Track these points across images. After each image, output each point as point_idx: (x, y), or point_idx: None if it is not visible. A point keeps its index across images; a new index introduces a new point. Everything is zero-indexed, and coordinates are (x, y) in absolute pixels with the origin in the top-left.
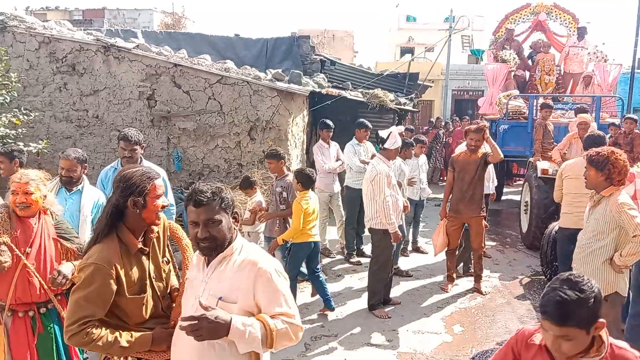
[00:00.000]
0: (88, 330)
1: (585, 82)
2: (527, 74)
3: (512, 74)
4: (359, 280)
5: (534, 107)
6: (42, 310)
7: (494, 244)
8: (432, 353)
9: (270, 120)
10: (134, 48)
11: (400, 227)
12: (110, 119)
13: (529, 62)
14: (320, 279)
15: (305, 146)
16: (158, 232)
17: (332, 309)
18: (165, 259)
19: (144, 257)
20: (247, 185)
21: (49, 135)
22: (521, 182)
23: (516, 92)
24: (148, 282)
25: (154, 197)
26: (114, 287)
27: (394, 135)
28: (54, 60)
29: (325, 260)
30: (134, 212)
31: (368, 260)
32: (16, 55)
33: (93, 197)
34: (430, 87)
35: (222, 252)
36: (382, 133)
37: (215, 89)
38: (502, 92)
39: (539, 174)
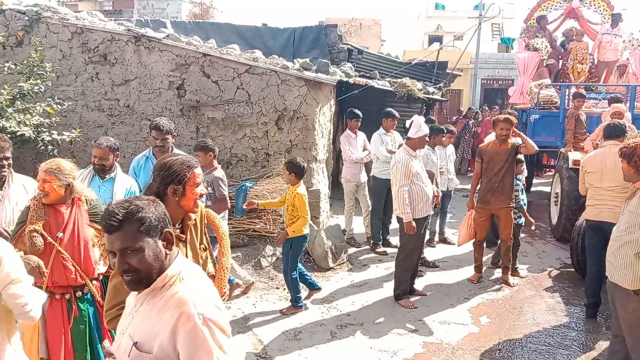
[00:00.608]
0: None
1: (620, 71)
2: (560, 62)
3: (544, 62)
4: (385, 270)
5: (566, 97)
6: (78, 294)
7: (522, 235)
8: (458, 344)
9: (297, 110)
10: (164, 38)
11: (426, 218)
12: (140, 109)
13: (562, 50)
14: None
15: (331, 136)
16: (195, 220)
17: (319, 289)
18: (202, 246)
19: (181, 244)
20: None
21: (81, 124)
22: (551, 174)
23: (548, 81)
24: None
25: (193, 185)
26: None
27: (416, 124)
28: (86, 50)
29: (351, 250)
30: (173, 199)
31: (394, 250)
32: (50, 46)
33: (126, 185)
34: (460, 76)
35: (149, 285)
36: (408, 123)
37: (243, 79)
38: (533, 81)
39: (571, 165)
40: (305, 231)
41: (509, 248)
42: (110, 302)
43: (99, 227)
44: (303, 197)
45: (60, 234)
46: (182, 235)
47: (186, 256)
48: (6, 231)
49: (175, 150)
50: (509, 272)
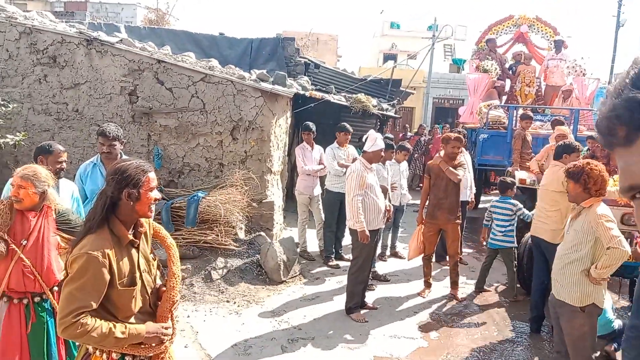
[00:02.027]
0: (82, 321)
1: (565, 95)
2: (508, 84)
3: (494, 84)
4: (337, 283)
5: (514, 118)
6: (37, 299)
7: (470, 251)
8: (408, 357)
9: (253, 121)
10: (117, 42)
11: (378, 230)
12: (90, 114)
13: (510, 73)
14: None
15: (287, 148)
16: (146, 228)
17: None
18: (151, 255)
19: (133, 250)
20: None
21: (26, 127)
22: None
23: (497, 102)
24: (138, 274)
25: (147, 190)
26: (107, 277)
27: (372, 139)
28: (34, 51)
29: (304, 263)
30: (127, 204)
31: (346, 263)
32: None
33: (69, 191)
34: (412, 94)
35: None
36: (364, 137)
37: (198, 87)
38: (483, 102)
39: (517, 184)
40: None
41: (457, 263)
42: (65, 310)
43: (65, 235)
44: None
45: (24, 242)
46: (135, 240)
47: (138, 263)
48: None
49: (123, 158)
50: (457, 287)
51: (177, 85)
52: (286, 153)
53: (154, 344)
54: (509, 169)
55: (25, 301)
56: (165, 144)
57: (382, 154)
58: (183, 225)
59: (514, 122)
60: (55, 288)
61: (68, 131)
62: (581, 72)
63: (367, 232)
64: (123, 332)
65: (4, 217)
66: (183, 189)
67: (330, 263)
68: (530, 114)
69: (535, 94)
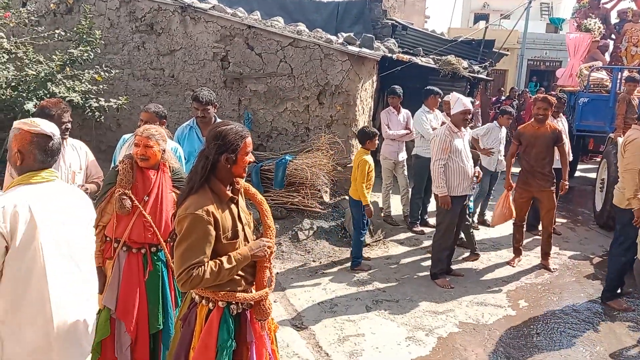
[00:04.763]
0: (194, 272)
1: None
2: (612, 44)
3: (596, 44)
4: (421, 249)
5: (618, 80)
6: (153, 249)
7: (564, 221)
8: (494, 325)
9: (339, 85)
10: (209, 9)
11: (464, 197)
12: (185, 79)
13: (615, 31)
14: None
15: (372, 112)
16: (242, 185)
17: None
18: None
19: (233, 206)
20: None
21: (127, 92)
22: (598, 160)
23: (600, 63)
24: (240, 227)
25: (244, 154)
26: (214, 232)
27: (454, 100)
28: (133, 19)
29: (388, 228)
30: (225, 166)
31: (431, 230)
32: (98, 14)
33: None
34: (507, 55)
35: None
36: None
37: (286, 52)
38: (584, 63)
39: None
40: (357, 197)
41: (550, 234)
42: (180, 268)
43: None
44: (366, 164)
45: (146, 197)
46: (234, 196)
47: (239, 216)
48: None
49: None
50: (549, 258)
51: (266, 50)
52: (371, 118)
53: (265, 255)
54: (611, 135)
55: (143, 251)
56: (254, 108)
57: (468, 116)
58: (271, 187)
59: (617, 84)
60: (169, 240)
61: (165, 96)
62: None
63: (449, 198)
64: (230, 262)
65: (127, 175)
66: (271, 152)
67: (415, 229)
68: (637, 76)
69: None
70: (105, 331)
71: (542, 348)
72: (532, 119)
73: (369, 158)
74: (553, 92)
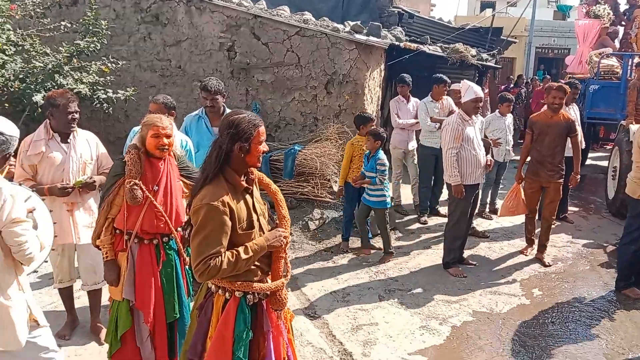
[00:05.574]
0: (211, 263)
1: None
2: (621, 30)
3: (606, 30)
4: (433, 238)
5: (629, 67)
6: (165, 239)
7: (577, 209)
8: (508, 314)
9: (347, 74)
10: None
11: (476, 186)
12: (192, 70)
13: (625, 18)
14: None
15: (380, 102)
16: (256, 175)
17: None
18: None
19: (247, 196)
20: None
21: (134, 83)
22: (609, 147)
23: (610, 50)
24: (255, 217)
25: (257, 143)
26: (229, 223)
27: (464, 88)
28: (138, 10)
29: (398, 217)
30: (238, 155)
31: (442, 219)
32: (103, 5)
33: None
34: (515, 42)
35: None
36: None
37: (293, 42)
38: (593, 50)
39: (632, 138)
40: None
41: (550, 226)
42: (197, 259)
43: (187, 180)
44: (350, 147)
45: (156, 187)
46: (249, 187)
47: (254, 207)
48: (68, 185)
49: (228, 111)
50: (545, 251)
51: (273, 40)
52: (379, 107)
53: (281, 245)
54: (623, 122)
55: (155, 241)
56: (262, 98)
57: (480, 104)
58: (281, 177)
59: (628, 71)
60: (180, 229)
61: (172, 87)
62: None
63: (462, 187)
64: (247, 252)
65: (135, 165)
66: (280, 143)
67: (421, 219)
68: None
69: None
70: (127, 323)
71: (558, 337)
72: (546, 107)
73: (357, 141)
74: (565, 80)
